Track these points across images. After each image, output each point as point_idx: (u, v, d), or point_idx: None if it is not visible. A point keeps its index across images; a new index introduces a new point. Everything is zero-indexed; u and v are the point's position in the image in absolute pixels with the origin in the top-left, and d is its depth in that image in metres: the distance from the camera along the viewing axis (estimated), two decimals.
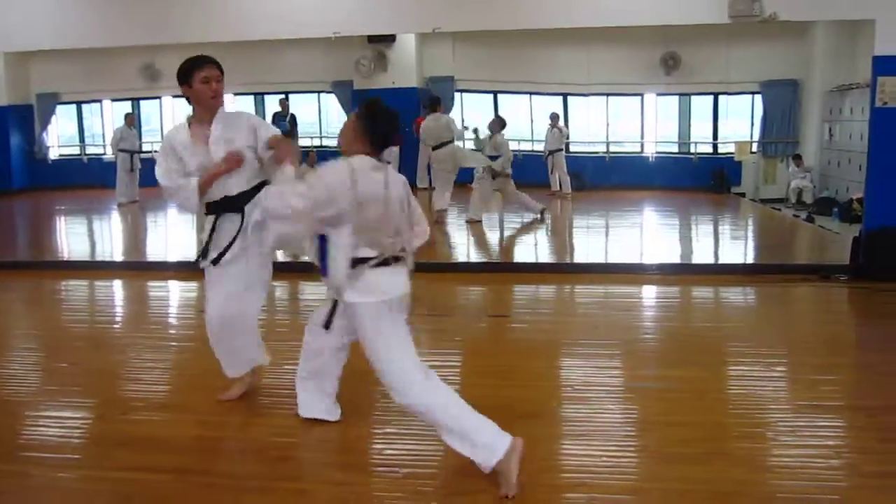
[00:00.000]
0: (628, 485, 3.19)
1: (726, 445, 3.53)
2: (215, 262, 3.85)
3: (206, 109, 3.84)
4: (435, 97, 12.15)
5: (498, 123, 11.52)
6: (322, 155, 15.36)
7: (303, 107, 16.86)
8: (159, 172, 3.83)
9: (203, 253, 3.89)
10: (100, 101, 17.93)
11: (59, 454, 3.63)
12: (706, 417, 3.90)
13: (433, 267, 7.84)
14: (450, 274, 7.75)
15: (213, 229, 3.87)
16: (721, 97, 15.89)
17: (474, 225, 10.88)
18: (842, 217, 12.16)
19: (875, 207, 7.51)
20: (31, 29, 13.39)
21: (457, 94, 16.29)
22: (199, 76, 3.76)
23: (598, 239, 10.66)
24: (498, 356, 5.19)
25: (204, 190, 3.79)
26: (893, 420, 3.86)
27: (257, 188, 3.78)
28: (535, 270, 8.05)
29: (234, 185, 3.84)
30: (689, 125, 16.33)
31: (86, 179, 17.12)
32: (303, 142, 16.12)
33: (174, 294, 7.47)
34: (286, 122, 15.21)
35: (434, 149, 11.45)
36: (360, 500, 3.08)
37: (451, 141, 11.33)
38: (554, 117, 14.75)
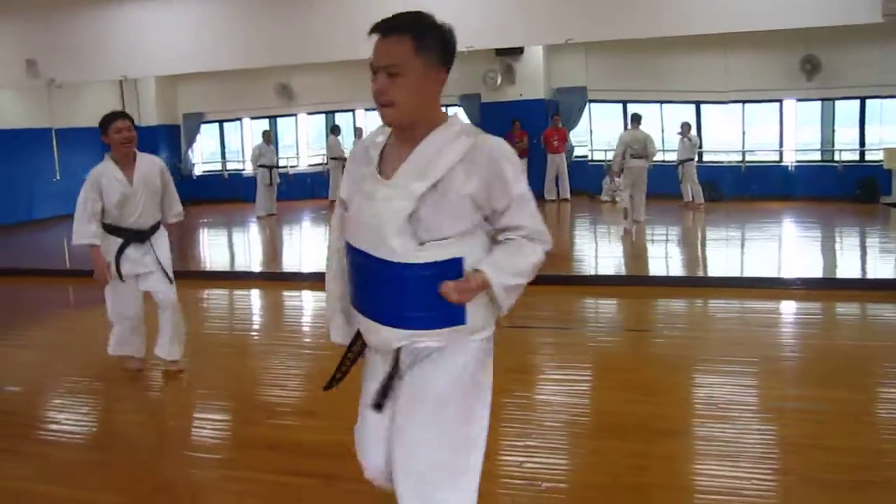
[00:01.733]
0: None
1: (885, 473, 3.30)
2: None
3: (121, 154, 4.81)
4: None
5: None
6: None
7: None
8: (80, 199, 4.76)
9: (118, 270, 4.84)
10: (240, 119, 18.87)
11: (211, 454, 3.82)
12: (860, 442, 3.66)
13: (561, 280, 7.80)
14: (579, 287, 7.63)
15: (120, 251, 4.84)
16: (869, 101, 14.96)
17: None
18: None
19: None
20: (178, 54, 14.30)
21: (586, 105, 16.11)
22: (114, 128, 4.72)
23: (734, 252, 10.24)
24: (633, 371, 5.07)
25: (96, 256, 4.76)
26: None
27: (157, 225, 5.04)
28: (668, 284, 7.81)
29: (145, 220, 4.93)
30: (833, 131, 15.47)
31: (226, 194, 18.04)
32: None
33: (308, 303, 7.72)
34: None
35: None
36: None
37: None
38: (685, 126, 14.33)
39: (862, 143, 15.28)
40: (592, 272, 9.00)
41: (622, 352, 5.68)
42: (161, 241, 5.06)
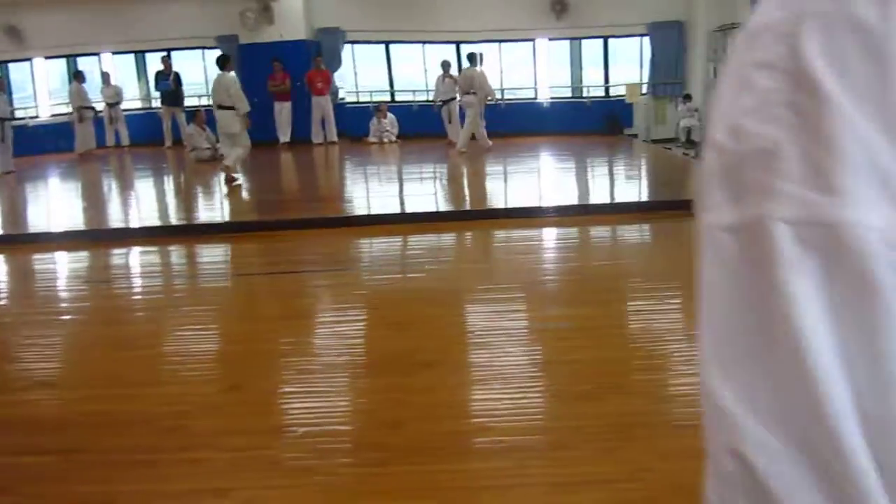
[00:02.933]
0: (531, 425, 3.18)
1: (624, 379, 3.57)
2: None
3: None
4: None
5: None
6: (210, 114, 14.80)
7: (186, 65, 16.10)
8: None
9: None
10: None
11: None
12: (604, 353, 3.93)
13: (331, 221, 7.72)
14: (343, 228, 7.58)
15: None
16: (611, 40, 16.08)
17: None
18: None
19: None
20: None
21: (347, 46, 15.91)
22: None
23: (497, 185, 10.66)
24: (398, 307, 5.11)
25: None
26: None
27: None
28: (433, 220, 7.94)
29: None
30: (581, 69, 16.52)
31: None
32: (189, 101, 15.45)
33: (62, 266, 7.05)
34: (169, 82, 14.55)
35: None
36: (256, 465, 2.96)
37: None
38: (445, 65, 14.57)
39: (606, 80, 16.44)
40: (364, 212, 8.97)
41: (387, 289, 5.71)
42: None
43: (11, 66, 16.48)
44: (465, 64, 13.47)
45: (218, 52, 15.72)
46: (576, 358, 3.89)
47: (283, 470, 2.90)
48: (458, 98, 13.59)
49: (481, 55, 13.09)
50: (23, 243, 7.76)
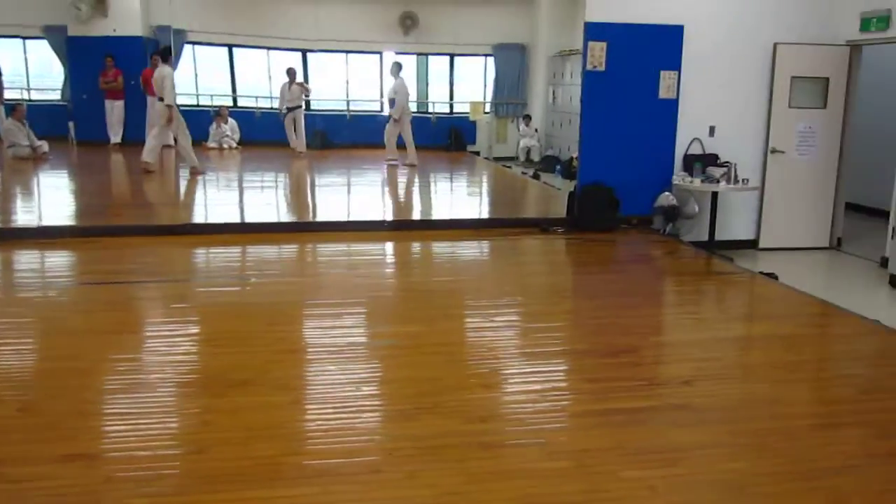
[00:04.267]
0: (344, 448, 3.08)
1: (439, 399, 3.55)
2: None
3: None
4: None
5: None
6: (33, 109, 13.77)
7: (4, 53, 14.89)
8: None
9: None
10: None
11: None
12: (425, 373, 3.91)
13: (159, 230, 7.33)
14: (172, 237, 7.21)
15: None
16: (457, 58, 16.38)
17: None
18: (564, 174, 13.05)
19: (587, 164, 8.04)
20: None
21: (188, 47, 15.28)
22: None
23: (339, 198, 10.52)
24: (218, 322, 4.89)
25: None
26: (599, 362, 4.13)
27: None
28: (269, 230, 7.71)
29: None
30: (427, 85, 16.69)
31: None
32: (9, 94, 14.28)
33: None
34: None
35: None
36: (39, 497, 2.70)
37: None
38: (291, 72, 14.28)
39: (451, 97, 16.72)
40: (199, 221, 8.56)
41: (212, 303, 5.45)
42: None
43: None
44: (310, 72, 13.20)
45: (43, 42, 14.77)
46: (396, 377, 3.86)
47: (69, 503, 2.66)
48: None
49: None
50: None
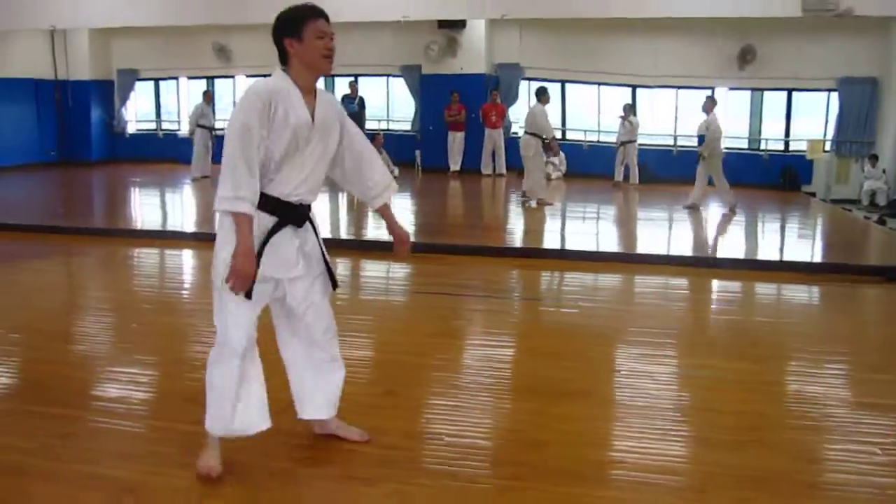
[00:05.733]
0: (666, 465, 3.24)
1: (769, 435, 3.55)
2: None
3: (313, 74, 2.97)
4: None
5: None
6: (389, 138, 15.60)
7: (371, 89, 17.06)
8: (246, 124, 2.79)
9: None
10: (176, 78, 18.49)
11: (126, 405, 3.86)
12: (751, 407, 3.91)
13: (492, 251, 8.00)
14: (509, 259, 7.82)
15: (269, 237, 2.95)
16: (795, 93, 15.50)
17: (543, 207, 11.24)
18: None
19: None
20: (110, 6, 13.92)
21: (524, 83, 16.26)
22: (313, 28, 2.90)
23: (662, 231, 10.56)
24: (550, 339, 5.30)
25: (245, 236, 2.84)
26: None
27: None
28: (594, 259, 8.00)
29: (310, 189, 3.02)
30: (761, 121, 16.00)
31: (160, 154, 17.73)
32: (370, 125, 16.33)
33: None
34: (355, 105, 15.45)
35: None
36: (402, 463, 3.20)
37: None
38: (627, 108, 14.62)
39: (787, 133, 15.84)
40: (525, 245, 9.18)
41: (543, 321, 5.88)
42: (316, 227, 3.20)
43: (218, 81, 18.11)
44: (639, 108, 13.32)
45: (400, 80, 16.64)
46: (720, 408, 3.90)
47: (425, 471, 3.14)
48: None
49: (545, 90, 11.74)
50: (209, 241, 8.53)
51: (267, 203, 2.91)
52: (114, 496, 2.95)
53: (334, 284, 3.18)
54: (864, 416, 3.87)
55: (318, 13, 2.93)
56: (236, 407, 3.02)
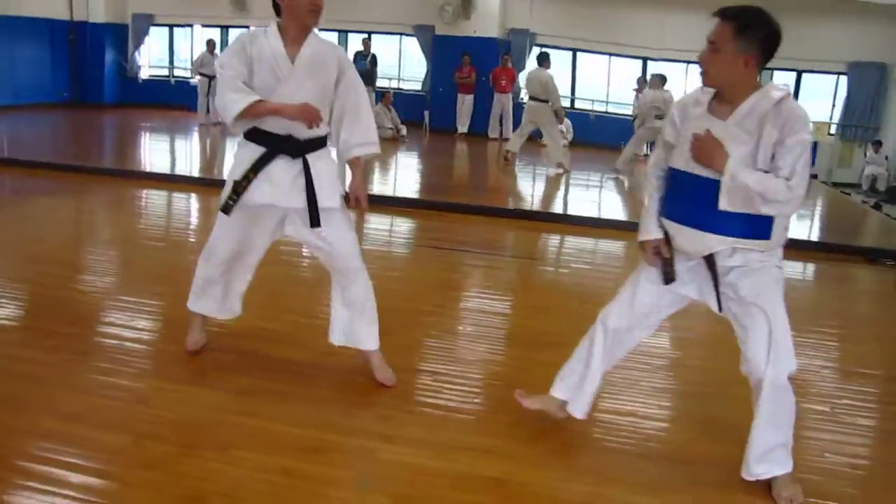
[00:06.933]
0: (627, 409, 3.52)
1: (731, 389, 3.77)
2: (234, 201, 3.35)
3: (299, 26, 3.24)
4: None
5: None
6: (399, 97, 15.75)
7: (383, 48, 17.16)
8: (222, 63, 3.21)
9: (236, 190, 3.31)
10: (191, 25, 18.58)
11: (136, 330, 4.14)
12: (718, 364, 4.14)
13: (493, 211, 8.23)
14: (509, 220, 8.07)
15: (257, 165, 3.29)
16: (804, 75, 15.58)
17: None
18: None
19: None
20: None
21: (536, 49, 16.34)
22: None
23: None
24: (539, 294, 5.60)
25: (257, 113, 3.19)
26: None
27: (322, 140, 3.40)
28: (592, 225, 8.20)
29: (304, 125, 3.24)
30: None
31: (172, 99, 17.87)
32: (381, 82, 16.46)
33: None
34: (366, 62, 15.57)
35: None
36: (396, 392, 3.48)
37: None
38: (640, 82, 14.62)
39: None
40: (526, 208, 9.39)
41: (534, 278, 6.17)
42: (324, 165, 3.41)
43: (232, 31, 18.19)
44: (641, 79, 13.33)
45: (413, 39, 16.72)
46: (689, 364, 4.17)
47: (413, 401, 3.48)
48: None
49: (548, 55, 11.99)
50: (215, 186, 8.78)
51: (256, 135, 3.29)
52: (129, 404, 3.24)
53: (313, 222, 3.33)
54: (820, 379, 4.15)
55: None
56: (209, 298, 3.71)
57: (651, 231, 2.95)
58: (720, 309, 2.90)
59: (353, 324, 3.56)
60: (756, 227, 2.69)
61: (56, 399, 3.24)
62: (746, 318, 2.80)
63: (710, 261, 2.80)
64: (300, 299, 4.82)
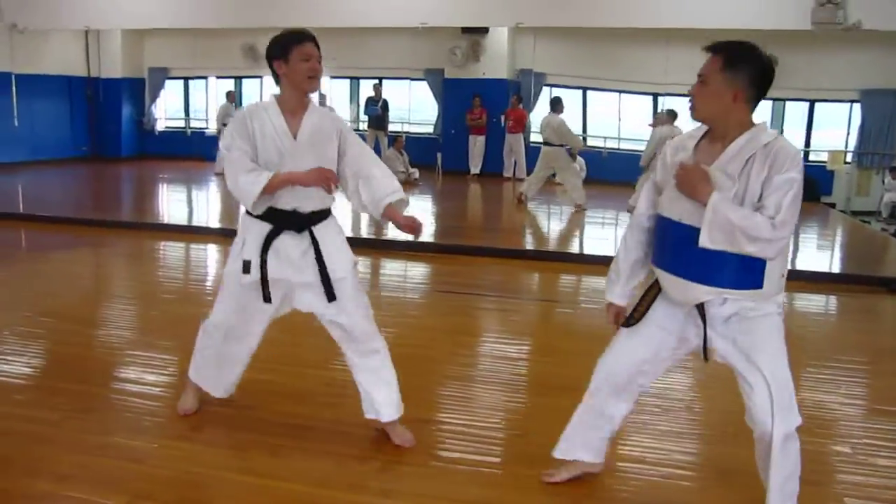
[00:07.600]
0: (636, 455, 3.43)
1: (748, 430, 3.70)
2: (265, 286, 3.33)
3: (299, 94, 3.26)
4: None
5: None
6: (410, 140, 15.86)
7: (394, 92, 17.32)
8: (227, 145, 3.21)
9: (246, 267, 3.32)
10: (205, 77, 18.90)
11: (141, 385, 4.12)
12: (737, 406, 4.04)
13: (509, 253, 8.19)
14: (525, 261, 8.02)
15: (266, 243, 3.29)
16: (817, 104, 15.52)
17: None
18: None
19: None
20: (144, 9, 14.32)
21: (546, 89, 16.42)
22: (299, 51, 3.17)
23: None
24: (554, 337, 5.54)
25: (273, 188, 3.17)
26: None
27: (327, 211, 3.39)
28: (604, 262, 8.14)
29: (308, 199, 3.27)
30: (782, 131, 15.99)
31: (188, 151, 18.13)
32: (393, 126, 16.60)
33: None
34: (377, 107, 15.72)
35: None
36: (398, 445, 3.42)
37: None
38: (672, 115, 14.60)
39: (807, 144, 15.86)
40: (539, 248, 9.36)
41: (551, 321, 6.10)
42: (331, 236, 3.41)
43: (245, 81, 18.49)
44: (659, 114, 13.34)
45: (423, 83, 16.87)
46: (707, 406, 4.07)
47: (413, 452, 3.41)
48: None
49: (560, 100, 12.00)
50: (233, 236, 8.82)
51: (263, 212, 3.26)
52: (124, 463, 3.21)
53: (329, 297, 3.30)
54: (841, 417, 4.04)
55: (305, 38, 3.20)
56: (208, 370, 3.64)
57: (615, 294, 2.93)
58: (706, 358, 2.81)
59: (372, 393, 3.47)
60: (747, 276, 2.61)
61: (52, 459, 3.22)
62: (749, 375, 2.72)
63: (701, 309, 2.73)
64: (298, 349, 4.78)
